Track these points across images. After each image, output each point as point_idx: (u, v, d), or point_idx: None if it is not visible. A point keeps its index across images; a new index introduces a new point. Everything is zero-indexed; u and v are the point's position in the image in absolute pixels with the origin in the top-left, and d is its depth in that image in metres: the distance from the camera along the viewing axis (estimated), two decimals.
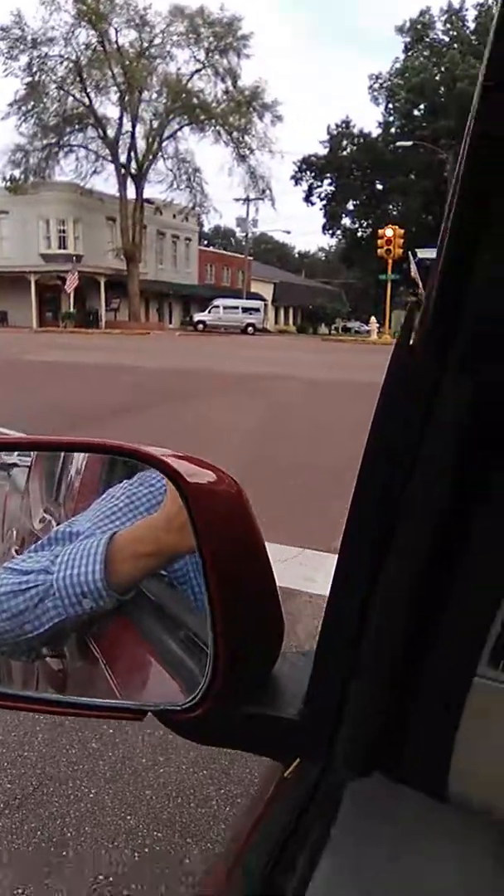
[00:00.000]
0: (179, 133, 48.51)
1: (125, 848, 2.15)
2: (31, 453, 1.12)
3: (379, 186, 54.23)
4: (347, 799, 0.63)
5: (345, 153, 54.29)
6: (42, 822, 2.26)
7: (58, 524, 0.94)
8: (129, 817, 2.29)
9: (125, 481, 0.82)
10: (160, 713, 0.67)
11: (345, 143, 54.71)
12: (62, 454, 1.07)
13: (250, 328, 46.72)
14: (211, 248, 66.36)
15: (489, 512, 0.57)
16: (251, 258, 61.47)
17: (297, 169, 55.14)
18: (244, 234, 61.51)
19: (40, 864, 2.09)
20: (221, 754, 2.57)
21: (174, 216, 51.41)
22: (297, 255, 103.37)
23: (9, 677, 0.91)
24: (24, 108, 45.44)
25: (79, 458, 1.04)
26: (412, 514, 0.57)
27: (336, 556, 0.61)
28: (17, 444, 0.80)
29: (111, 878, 2.03)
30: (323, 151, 54.71)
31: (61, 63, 45.04)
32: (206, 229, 69.49)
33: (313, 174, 55.45)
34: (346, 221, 57.85)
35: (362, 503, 0.58)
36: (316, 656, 0.65)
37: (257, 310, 48.97)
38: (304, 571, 4.14)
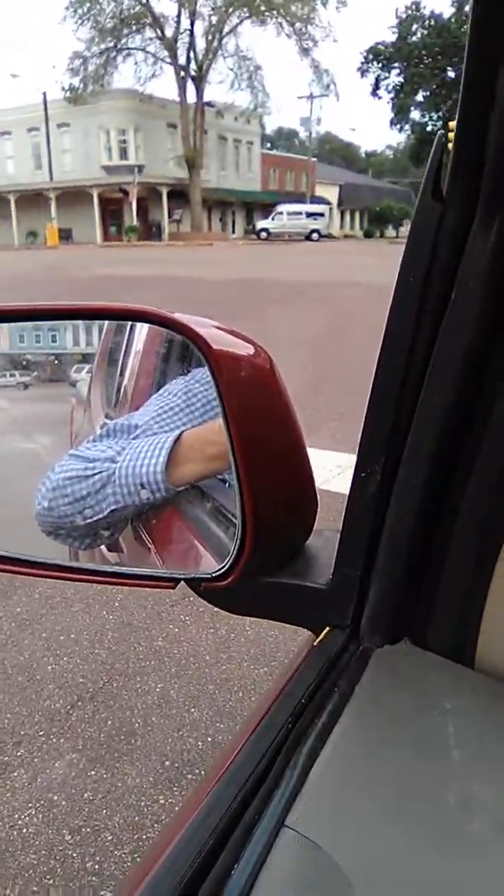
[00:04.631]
0: (240, 28, 46.25)
1: (189, 737, 2.28)
2: (92, 365, 1.13)
3: (451, 74, 50.53)
4: (373, 663, 0.64)
5: (415, 38, 50.62)
6: (112, 713, 2.40)
7: None
8: (192, 710, 2.42)
9: (181, 378, 0.82)
10: (192, 582, 0.69)
11: (415, 27, 50.94)
12: (119, 361, 1.08)
13: (314, 234, 45.35)
14: (274, 152, 64.00)
15: None
16: (315, 159, 59.08)
17: (363, 59, 51.89)
18: (308, 134, 58.90)
19: (112, 749, 2.23)
20: (281, 651, 2.65)
21: (236, 119, 49.60)
22: (363, 155, 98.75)
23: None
24: (80, 11, 44.05)
25: (135, 363, 1.05)
26: (438, 370, 0.54)
27: None
28: (28, 311, 0.79)
29: (177, 764, 2.16)
30: (392, 38, 51.20)
31: None
32: (268, 131, 67.03)
33: (380, 64, 52.08)
34: (415, 115, 54.57)
35: (389, 359, 0.56)
36: (343, 526, 0.65)
37: (322, 214, 47.29)
38: None
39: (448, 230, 0.51)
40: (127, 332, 1.01)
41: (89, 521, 0.79)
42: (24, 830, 1.95)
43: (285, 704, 0.60)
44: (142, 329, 0.96)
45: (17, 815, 1.99)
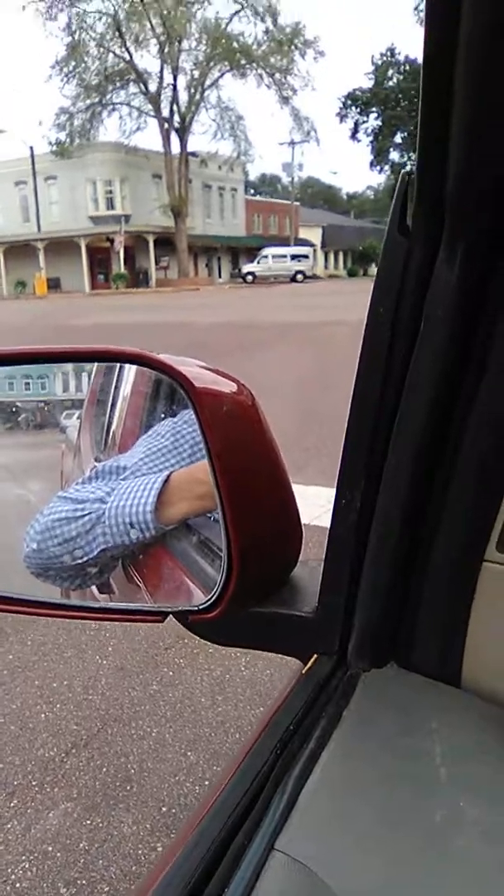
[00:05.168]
0: (221, 80, 47.50)
1: (185, 781, 2.25)
2: (80, 412, 1.14)
3: None
4: (361, 687, 0.65)
5: (391, 83, 52.08)
6: (107, 759, 2.37)
7: None
8: (189, 753, 2.38)
9: (169, 419, 0.84)
10: (179, 615, 0.70)
11: (390, 72, 52.44)
12: (108, 403, 1.09)
13: (299, 276, 46.00)
14: (257, 197, 65.24)
15: (494, 386, 0.56)
16: (297, 203, 60.21)
17: (341, 105, 53.25)
18: (290, 179, 60.11)
19: (107, 797, 2.20)
20: (277, 691, 2.63)
21: (219, 167, 50.59)
22: (345, 197, 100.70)
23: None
24: (65, 70, 45.18)
25: (122, 405, 1.06)
26: (411, 398, 0.56)
27: None
28: (15, 355, 0.81)
29: (174, 809, 2.13)
30: (368, 84, 52.67)
31: (100, 19, 44.43)
32: (251, 178, 68.36)
33: (358, 109, 53.44)
34: (394, 156, 55.78)
35: (364, 389, 0.57)
36: (326, 554, 0.66)
37: (306, 256, 48.02)
38: None
39: (415, 262, 0.53)
40: (115, 375, 1.02)
41: (79, 561, 0.80)
42: (18, 885, 1.90)
43: (274, 732, 0.61)
44: (129, 371, 0.98)
45: (10, 870, 1.95)
